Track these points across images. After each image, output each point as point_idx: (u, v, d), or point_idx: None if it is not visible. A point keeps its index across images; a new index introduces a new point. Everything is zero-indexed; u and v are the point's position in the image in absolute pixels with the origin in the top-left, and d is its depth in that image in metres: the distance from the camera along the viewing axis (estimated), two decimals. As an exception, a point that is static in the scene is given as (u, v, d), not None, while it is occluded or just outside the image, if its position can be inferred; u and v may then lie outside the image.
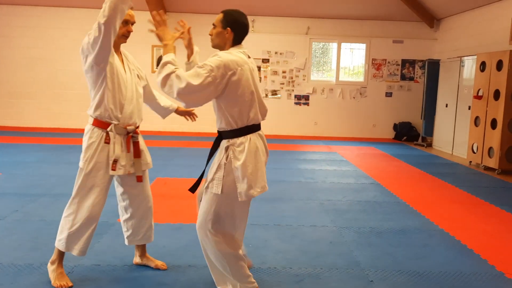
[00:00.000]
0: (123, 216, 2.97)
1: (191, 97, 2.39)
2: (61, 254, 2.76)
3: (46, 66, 10.22)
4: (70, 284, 2.70)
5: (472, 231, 4.03)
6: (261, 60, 10.42)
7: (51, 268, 2.76)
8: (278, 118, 10.43)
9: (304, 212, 4.45)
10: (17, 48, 10.20)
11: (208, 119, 10.43)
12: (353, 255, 3.36)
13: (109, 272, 2.93)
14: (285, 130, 10.46)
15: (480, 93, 7.40)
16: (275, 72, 10.49)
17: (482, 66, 7.38)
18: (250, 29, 10.33)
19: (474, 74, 7.70)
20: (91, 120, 2.73)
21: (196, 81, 2.36)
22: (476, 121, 7.51)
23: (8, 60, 10.23)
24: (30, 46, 10.17)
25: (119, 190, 2.92)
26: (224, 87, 2.42)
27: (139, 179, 2.83)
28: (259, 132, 2.64)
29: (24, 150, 7.32)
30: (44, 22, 10.14)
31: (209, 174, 2.52)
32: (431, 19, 10.16)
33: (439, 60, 9.50)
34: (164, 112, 3.21)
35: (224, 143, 2.55)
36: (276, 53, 10.45)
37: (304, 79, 10.54)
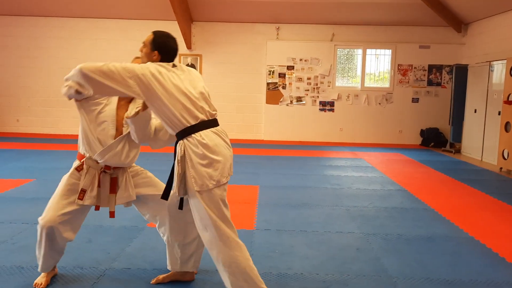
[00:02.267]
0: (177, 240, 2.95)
1: None
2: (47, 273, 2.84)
3: (79, 76, 10.54)
4: (45, 284, 2.78)
5: (504, 239, 3.94)
6: (286, 67, 10.46)
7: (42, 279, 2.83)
8: (303, 124, 10.43)
9: (330, 218, 4.45)
10: (52, 59, 10.55)
11: (234, 126, 10.56)
12: (380, 262, 3.34)
13: (139, 275, 3.00)
14: (310, 137, 10.45)
15: (510, 98, 7.23)
16: (299, 79, 10.50)
17: (513, 70, 7.22)
18: (275, 36, 10.44)
19: (504, 78, 7.54)
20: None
21: None
22: (506, 127, 7.33)
23: (45, 70, 10.60)
24: (64, 57, 10.51)
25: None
26: None
27: (111, 215, 2.89)
28: None
29: (59, 157, 7.56)
30: (77, 33, 10.49)
31: None
32: (459, 24, 10.00)
33: (467, 65, 9.33)
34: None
35: None
36: (301, 60, 10.47)
37: (329, 86, 10.51)
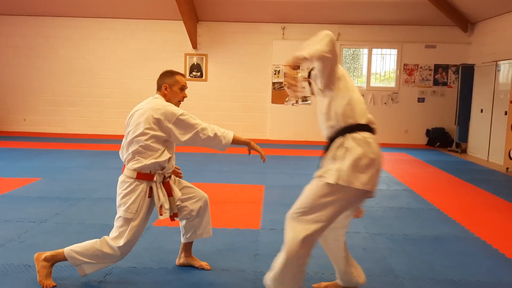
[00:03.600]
0: (182, 222, 3.05)
1: None
2: (61, 260, 2.81)
3: (87, 76, 10.59)
4: (54, 284, 2.79)
5: (511, 239, 3.92)
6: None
7: (42, 263, 2.79)
8: (309, 124, 10.41)
9: (336, 218, 4.44)
10: (59, 59, 10.62)
11: (240, 126, 10.57)
12: (386, 262, 3.33)
13: (145, 274, 3.01)
14: (316, 136, 10.42)
15: (517, 98, 7.19)
16: (305, 79, 10.49)
17: (520, 70, 7.18)
18: (281, 36, 10.43)
19: (511, 78, 7.49)
20: (132, 173, 2.77)
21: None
22: (513, 127, 7.29)
23: (52, 70, 10.66)
24: (72, 57, 10.58)
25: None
26: None
27: (172, 217, 2.90)
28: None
29: (66, 156, 7.60)
30: (85, 33, 10.54)
31: None
32: (465, 23, 9.95)
33: (474, 64, 9.29)
34: None
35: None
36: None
37: (334, 85, 10.48)
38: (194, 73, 10.51)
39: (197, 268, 3.11)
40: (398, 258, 3.40)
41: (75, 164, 6.90)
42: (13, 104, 10.79)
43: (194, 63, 10.50)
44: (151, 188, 2.80)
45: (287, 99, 10.50)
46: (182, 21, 9.63)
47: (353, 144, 2.40)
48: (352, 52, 10.71)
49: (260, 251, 3.47)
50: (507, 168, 7.42)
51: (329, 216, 2.37)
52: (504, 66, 8.05)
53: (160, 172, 2.82)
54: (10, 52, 10.64)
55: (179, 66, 10.40)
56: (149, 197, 2.81)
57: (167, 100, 2.88)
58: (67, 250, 2.79)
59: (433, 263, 3.33)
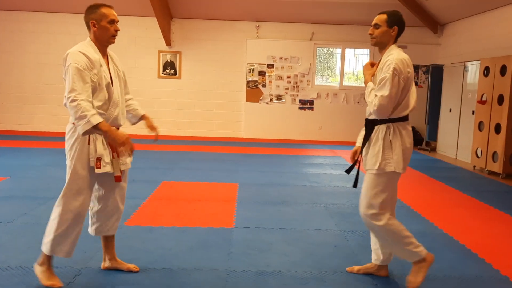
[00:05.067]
0: (94, 207, 2.90)
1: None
2: (48, 257, 2.75)
3: (55, 72, 10.30)
4: (60, 284, 2.72)
5: (477, 235, 4.04)
6: (265, 65, 10.48)
7: (39, 269, 2.75)
8: (283, 122, 10.47)
9: (308, 215, 4.48)
10: (27, 54, 10.33)
11: (214, 124, 10.53)
12: (357, 258, 3.38)
13: (115, 274, 2.96)
14: (290, 135, 10.50)
15: (484, 98, 7.42)
16: (279, 77, 10.54)
17: (486, 71, 7.40)
18: (255, 34, 10.45)
19: (478, 79, 7.72)
20: (71, 119, 2.65)
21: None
22: (480, 126, 7.52)
23: (19, 65, 10.35)
24: (39, 52, 10.29)
25: (98, 181, 2.86)
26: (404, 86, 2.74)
27: (117, 179, 2.78)
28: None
29: (33, 154, 7.40)
30: (54, 28, 10.27)
31: None
32: (435, 25, 10.20)
33: (443, 65, 9.53)
34: (132, 118, 3.05)
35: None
36: (280, 58, 10.51)
37: (308, 84, 10.58)
38: (167, 70, 10.40)
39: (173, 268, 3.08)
40: (368, 255, 3.43)
41: (42, 162, 6.73)
42: (-22, 101, 10.43)
43: (167, 61, 10.39)
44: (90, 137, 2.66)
45: (261, 98, 10.52)
46: (155, 18, 9.51)
47: None
48: (325, 52, 10.82)
49: (233, 249, 3.46)
50: (474, 166, 7.65)
51: None
52: (471, 66, 8.28)
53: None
54: (-25, 47, 10.28)
55: (153, 63, 10.27)
56: (88, 144, 2.66)
57: (98, 38, 2.72)
58: (42, 246, 2.75)
59: (403, 259, 3.40)
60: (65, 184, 2.69)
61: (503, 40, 7.80)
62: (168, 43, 10.22)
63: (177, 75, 10.45)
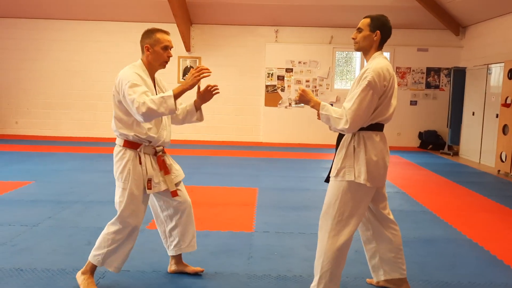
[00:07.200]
0: (169, 226, 2.97)
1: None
2: (93, 267, 2.80)
3: (81, 78, 10.55)
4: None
5: (502, 241, 3.95)
6: (284, 70, 10.49)
7: (81, 277, 2.80)
8: (302, 127, 10.44)
9: (329, 220, 4.45)
10: (53, 61, 10.58)
11: (232, 128, 10.57)
12: (379, 264, 3.34)
13: (139, 278, 3.01)
14: (309, 139, 10.46)
15: (508, 101, 7.26)
16: (298, 81, 10.53)
17: (510, 73, 7.25)
18: (274, 39, 10.47)
19: (502, 81, 7.57)
20: (121, 141, 2.73)
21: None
22: (504, 129, 7.36)
23: (46, 72, 10.61)
24: (65, 59, 10.54)
25: (159, 201, 2.94)
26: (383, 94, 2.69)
27: (174, 194, 2.84)
28: None
29: (58, 159, 7.55)
30: (79, 35, 10.50)
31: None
32: (457, 27, 10.05)
33: (465, 68, 9.37)
34: (195, 114, 3.02)
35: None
36: (299, 62, 10.50)
37: (327, 88, 10.54)
38: (187, 75, 10.50)
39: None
40: (391, 260, 3.41)
41: (67, 167, 6.87)
42: (5, 107, 10.71)
43: (187, 66, 10.49)
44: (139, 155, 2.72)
45: (280, 102, 10.53)
46: (175, 24, 9.63)
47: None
48: (345, 55, 10.77)
49: (253, 254, 3.47)
50: (499, 170, 7.49)
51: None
52: (495, 69, 8.13)
53: (147, 144, 2.74)
54: (2, 55, 10.57)
55: (173, 68, 10.39)
56: (140, 163, 2.71)
57: (151, 63, 2.74)
58: (91, 257, 2.79)
59: (426, 265, 3.35)
60: (122, 206, 2.70)
61: (527, 42, 7.63)
62: (188, 48, 10.33)
63: (197, 80, 10.53)
